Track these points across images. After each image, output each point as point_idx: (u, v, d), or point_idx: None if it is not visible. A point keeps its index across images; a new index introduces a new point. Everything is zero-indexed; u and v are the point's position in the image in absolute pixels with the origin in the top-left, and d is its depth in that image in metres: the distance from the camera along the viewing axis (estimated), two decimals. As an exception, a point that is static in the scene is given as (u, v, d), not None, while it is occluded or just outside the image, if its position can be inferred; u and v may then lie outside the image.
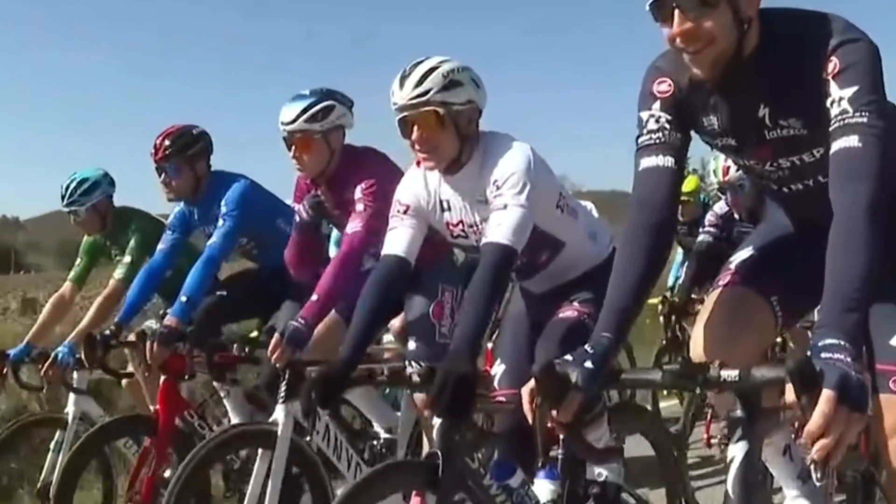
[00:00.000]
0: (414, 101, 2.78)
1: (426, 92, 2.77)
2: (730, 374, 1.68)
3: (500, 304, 4.21)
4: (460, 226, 3.01)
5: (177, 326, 3.91)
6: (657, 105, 2.15)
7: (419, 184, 3.01)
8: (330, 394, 2.74)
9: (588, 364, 1.83)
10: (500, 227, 2.65)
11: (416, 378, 2.54)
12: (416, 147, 2.83)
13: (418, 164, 2.97)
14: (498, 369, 3.05)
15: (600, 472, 2.78)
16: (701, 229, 5.63)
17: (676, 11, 1.91)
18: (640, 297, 2.06)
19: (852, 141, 1.83)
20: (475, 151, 2.88)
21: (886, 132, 1.83)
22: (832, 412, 1.46)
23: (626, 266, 2.07)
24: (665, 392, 6.48)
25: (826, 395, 1.47)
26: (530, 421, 1.89)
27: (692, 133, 2.22)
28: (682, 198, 6.42)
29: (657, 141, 2.12)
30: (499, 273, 2.66)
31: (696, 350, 2.29)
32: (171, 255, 4.44)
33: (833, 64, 1.89)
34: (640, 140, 2.15)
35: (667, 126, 2.13)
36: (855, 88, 1.86)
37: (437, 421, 2.37)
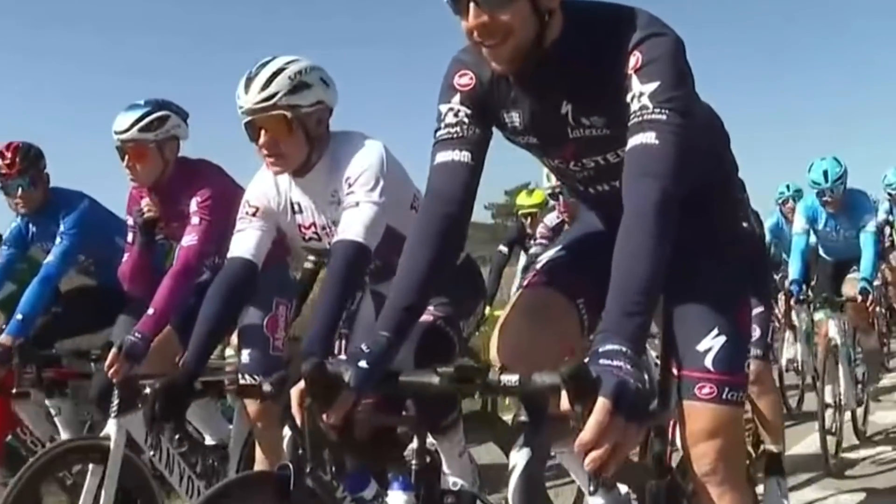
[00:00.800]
0: (260, 105, 2.70)
1: (273, 95, 2.70)
2: (509, 378, 1.56)
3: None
4: (312, 228, 2.95)
5: (10, 344, 3.83)
6: (457, 98, 2.05)
7: (269, 185, 2.94)
8: (175, 406, 2.63)
9: (362, 364, 1.74)
10: (352, 225, 2.59)
11: (267, 388, 2.37)
12: (264, 151, 2.75)
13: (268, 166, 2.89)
14: None
15: (455, 481, 2.77)
16: (532, 241, 5.74)
17: (472, 4, 1.80)
18: (424, 293, 1.94)
19: (649, 138, 1.74)
20: (325, 152, 2.82)
21: (688, 129, 1.76)
22: (607, 421, 1.36)
23: (411, 262, 1.95)
24: (507, 403, 6.69)
25: (601, 403, 1.36)
26: (298, 423, 1.83)
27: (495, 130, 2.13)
28: (530, 210, 6.50)
29: (454, 135, 2.02)
30: (351, 270, 2.58)
31: (493, 352, 2.21)
32: (6, 270, 4.41)
33: (636, 58, 1.81)
34: (437, 134, 2.05)
35: (465, 120, 2.03)
36: (656, 84, 1.77)
37: (287, 432, 2.29)
